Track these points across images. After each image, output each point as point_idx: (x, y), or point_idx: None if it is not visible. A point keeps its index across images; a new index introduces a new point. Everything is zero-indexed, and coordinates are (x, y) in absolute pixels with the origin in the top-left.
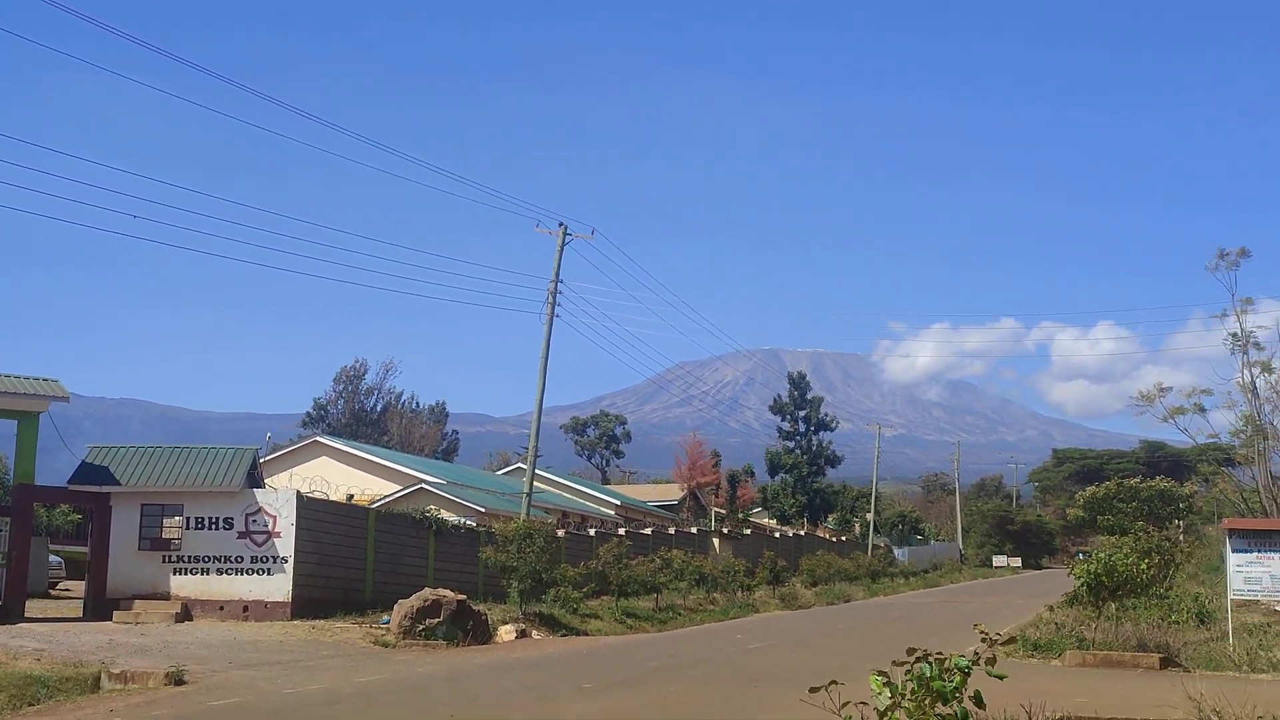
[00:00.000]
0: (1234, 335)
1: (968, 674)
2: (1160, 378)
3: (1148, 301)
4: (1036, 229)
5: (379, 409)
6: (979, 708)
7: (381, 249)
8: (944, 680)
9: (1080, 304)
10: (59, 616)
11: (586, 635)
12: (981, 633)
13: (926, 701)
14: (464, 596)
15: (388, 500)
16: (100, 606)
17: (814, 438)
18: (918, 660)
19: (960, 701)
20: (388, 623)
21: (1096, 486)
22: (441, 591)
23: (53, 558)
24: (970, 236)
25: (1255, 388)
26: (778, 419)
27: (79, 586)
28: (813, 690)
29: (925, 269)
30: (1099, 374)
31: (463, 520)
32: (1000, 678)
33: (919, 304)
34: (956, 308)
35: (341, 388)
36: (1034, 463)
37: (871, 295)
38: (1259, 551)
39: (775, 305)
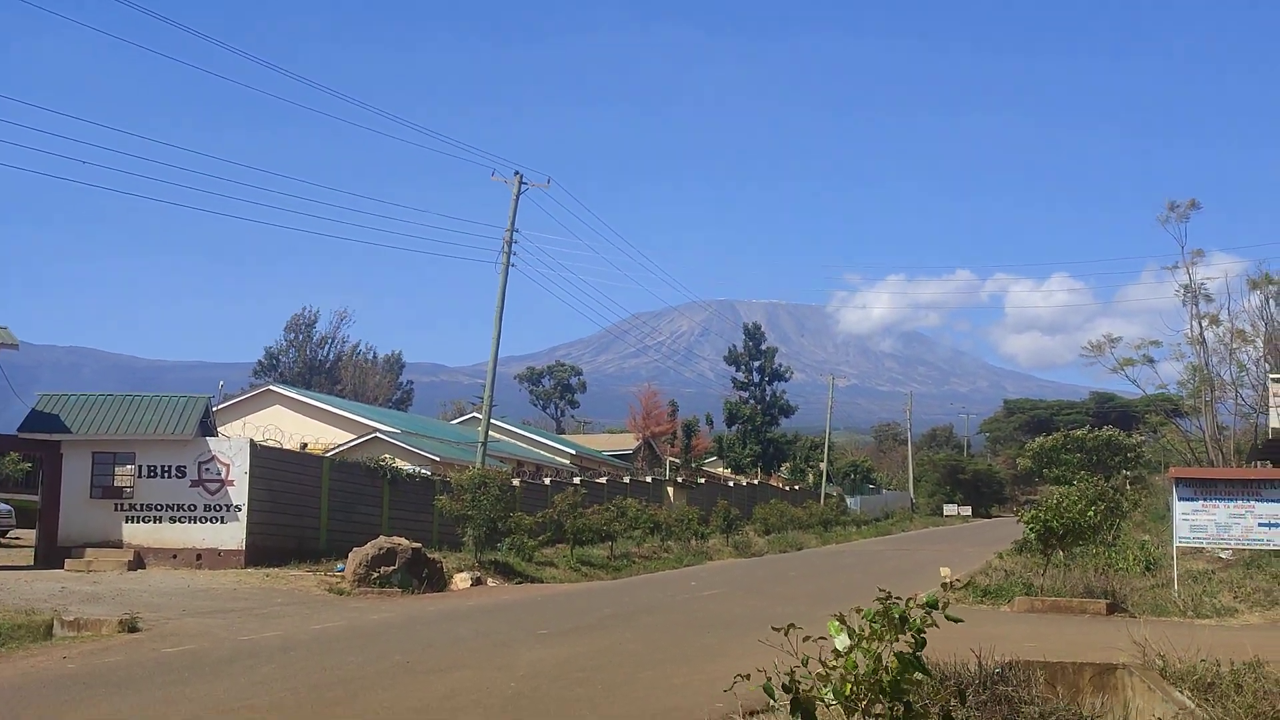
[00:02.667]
0: (1184, 287)
1: (929, 613)
2: (1113, 329)
3: (1103, 253)
4: (994, 180)
5: (332, 358)
6: (923, 639)
7: (336, 197)
8: (904, 623)
9: (1035, 256)
10: (9, 565)
11: (542, 583)
12: (944, 579)
13: (886, 639)
14: (419, 545)
15: (342, 449)
16: (51, 554)
17: (768, 388)
18: (881, 603)
19: (918, 635)
20: (342, 570)
21: (1045, 437)
22: (396, 539)
23: (2, 505)
24: (928, 189)
25: (1204, 339)
26: (732, 370)
27: (29, 535)
28: (775, 629)
29: (882, 222)
30: (1052, 326)
31: (417, 469)
32: (956, 620)
33: (875, 256)
34: (912, 260)
35: (293, 336)
36: (985, 413)
37: (828, 248)
38: (1205, 500)
39: (731, 257)
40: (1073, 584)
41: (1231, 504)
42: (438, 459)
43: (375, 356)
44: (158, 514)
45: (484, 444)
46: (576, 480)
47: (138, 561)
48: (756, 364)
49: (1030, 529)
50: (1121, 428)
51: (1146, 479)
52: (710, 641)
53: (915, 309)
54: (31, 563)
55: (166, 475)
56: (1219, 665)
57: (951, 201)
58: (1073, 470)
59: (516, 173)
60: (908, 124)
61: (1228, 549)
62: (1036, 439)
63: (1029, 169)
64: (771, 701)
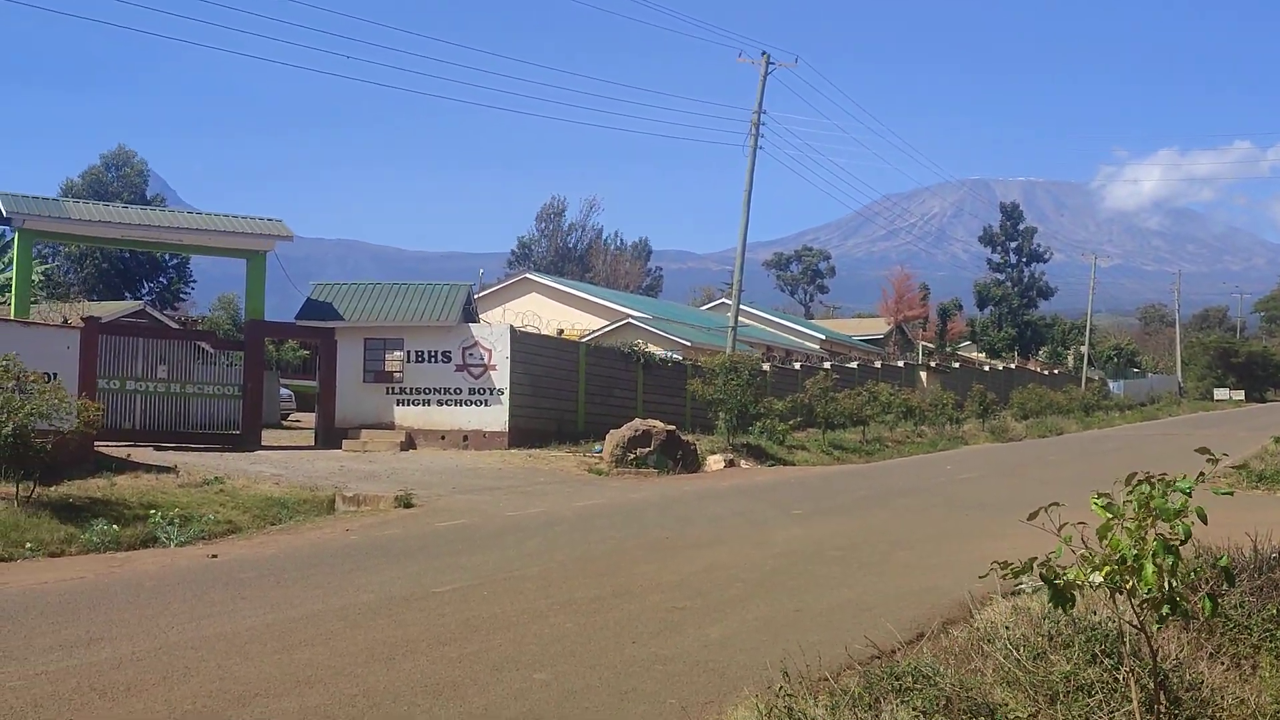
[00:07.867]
0: None
1: (1189, 495)
2: None
3: None
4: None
5: (582, 246)
6: (1202, 521)
7: (581, 83)
8: (1166, 500)
9: None
10: (292, 445)
11: (793, 465)
12: (1206, 454)
13: (1148, 521)
14: (673, 427)
15: (596, 335)
16: (330, 435)
17: (1025, 269)
18: (1140, 483)
19: (1183, 520)
20: (600, 452)
21: None
22: (651, 422)
23: (283, 390)
24: (1204, 51)
25: None
26: (987, 251)
27: (307, 418)
28: (1031, 517)
29: (1154, 90)
30: None
31: (669, 354)
32: (1228, 493)
33: (1145, 128)
34: (1186, 131)
35: (544, 226)
36: (1261, 293)
37: (1093, 120)
38: None
39: (986, 133)
40: None
41: None
42: (688, 344)
43: (624, 244)
44: (426, 397)
45: (734, 329)
46: (827, 365)
47: (409, 442)
48: (1013, 244)
49: None
50: None
51: None
52: (967, 523)
53: (1188, 183)
54: (312, 444)
55: (433, 360)
56: None
57: (1230, 67)
58: None
59: (763, 53)
60: None
61: None
62: None
63: None
64: (1024, 583)
